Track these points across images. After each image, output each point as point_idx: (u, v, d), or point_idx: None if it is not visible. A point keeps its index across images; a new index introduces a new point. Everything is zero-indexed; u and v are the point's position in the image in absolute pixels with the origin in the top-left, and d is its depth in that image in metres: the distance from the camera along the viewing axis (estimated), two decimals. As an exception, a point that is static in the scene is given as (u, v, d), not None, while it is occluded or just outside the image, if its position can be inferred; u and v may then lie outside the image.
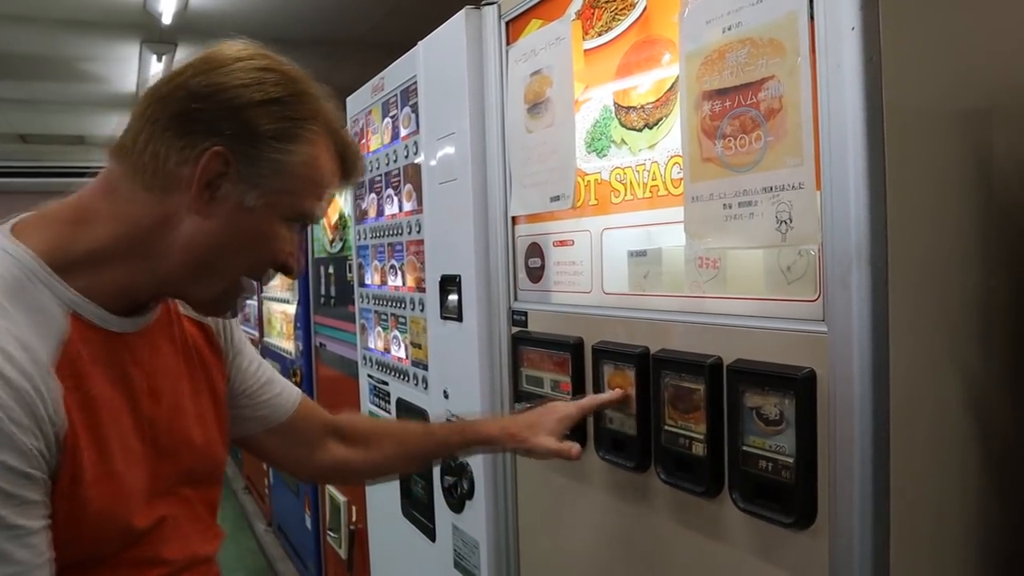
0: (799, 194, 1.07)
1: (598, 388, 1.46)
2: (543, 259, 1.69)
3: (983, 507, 1.11)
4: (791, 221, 1.09)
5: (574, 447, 1.35)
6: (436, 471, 2.13)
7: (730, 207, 1.18)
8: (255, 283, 0.99)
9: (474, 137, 1.85)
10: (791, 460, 1.08)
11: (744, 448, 1.15)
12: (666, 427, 1.30)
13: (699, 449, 1.24)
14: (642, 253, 1.42)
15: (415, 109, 2.16)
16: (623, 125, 1.42)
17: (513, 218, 1.79)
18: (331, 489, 3.37)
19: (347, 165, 0.99)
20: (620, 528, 1.46)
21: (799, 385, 1.06)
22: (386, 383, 2.49)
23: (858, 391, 0.99)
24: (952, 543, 1.10)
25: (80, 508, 0.86)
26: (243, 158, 0.87)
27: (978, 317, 1.10)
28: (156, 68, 6.86)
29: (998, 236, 1.11)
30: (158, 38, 6.32)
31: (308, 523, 3.82)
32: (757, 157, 1.13)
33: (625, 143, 1.42)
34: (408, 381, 2.31)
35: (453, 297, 1.98)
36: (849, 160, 0.99)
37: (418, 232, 2.18)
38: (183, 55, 6.97)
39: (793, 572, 1.10)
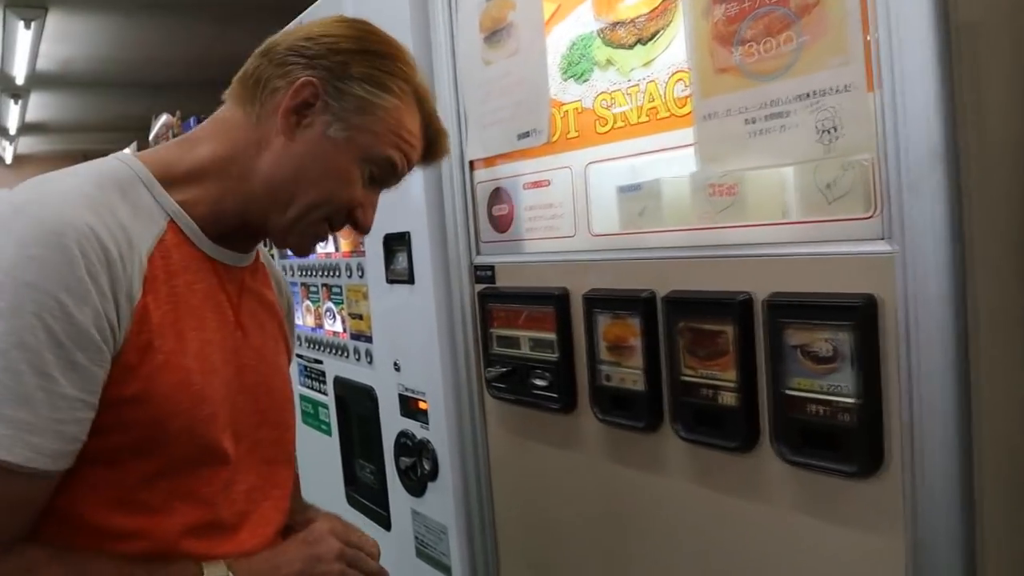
0: (846, 97, 0.94)
1: (592, 342, 1.31)
2: (511, 205, 1.52)
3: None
4: (837, 130, 0.95)
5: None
6: (388, 452, 1.93)
7: (754, 121, 1.04)
8: (327, 227, 1.03)
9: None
10: (852, 401, 0.95)
11: (788, 392, 1.02)
12: (683, 377, 1.16)
13: (728, 399, 1.10)
14: (635, 187, 1.26)
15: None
16: (609, 43, 1.26)
17: (470, 163, 1.60)
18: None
19: (431, 137, 1.06)
20: (626, 498, 1.32)
21: (859, 315, 0.94)
22: (320, 362, 2.26)
23: (938, 315, 0.86)
24: None
25: (151, 388, 0.86)
26: (332, 90, 0.95)
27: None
28: (24, 36, 6.20)
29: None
30: (24, 2, 5.69)
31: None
32: (789, 61, 0.99)
33: (612, 64, 1.26)
34: (347, 357, 2.09)
35: (402, 257, 1.77)
36: (916, 48, 0.85)
37: (352, 190, 1.96)
38: (56, 21, 6.32)
39: (858, 525, 0.98)
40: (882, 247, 0.92)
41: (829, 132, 0.96)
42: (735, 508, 1.13)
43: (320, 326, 2.22)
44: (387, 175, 1.03)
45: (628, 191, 1.28)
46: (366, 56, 0.97)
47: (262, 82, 0.97)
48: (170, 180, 0.95)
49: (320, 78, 0.95)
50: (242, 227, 1.01)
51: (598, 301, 1.29)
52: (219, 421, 0.94)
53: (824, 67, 0.96)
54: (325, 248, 2.14)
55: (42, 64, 7.66)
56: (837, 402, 0.97)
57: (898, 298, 0.90)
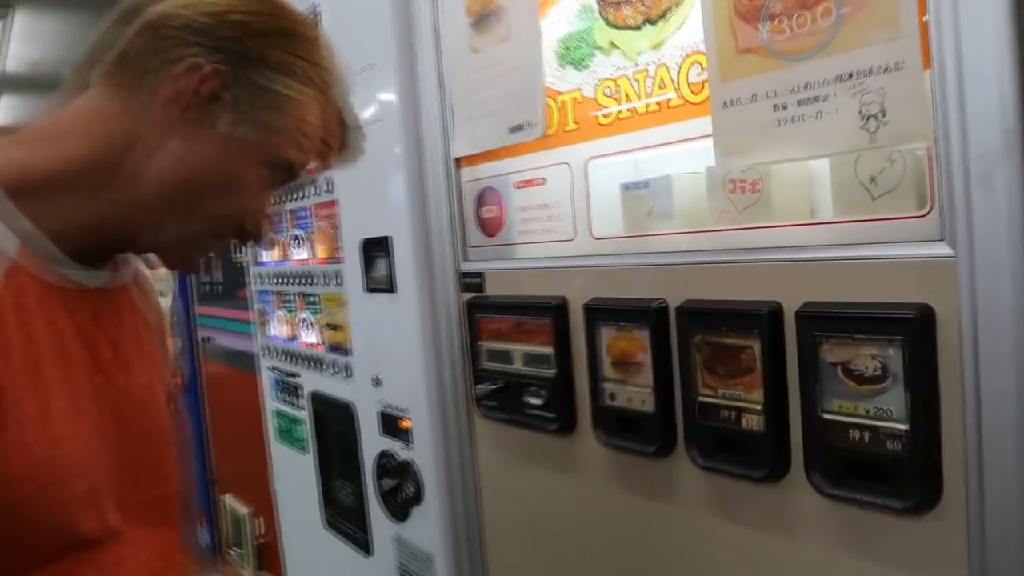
0: (897, 77, 0.81)
1: (594, 358, 1.17)
2: (501, 206, 1.38)
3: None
4: (884, 115, 0.83)
5: None
6: (368, 472, 1.79)
7: (784, 108, 0.91)
8: (216, 240, 0.87)
9: (401, 67, 1.51)
10: (903, 427, 0.83)
11: (825, 415, 0.89)
12: (701, 397, 1.03)
13: (753, 422, 0.97)
14: (642, 184, 1.14)
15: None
16: (612, 24, 1.13)
17: (456, 161, 1.47)
18: (230, 499, 2.95)
19: (346, 134, 0.91)
20: (632, 528, 1.18)
21: (912, 328, 0.81)
22: (295, 375, 2.11)
23: (1009, 329, 0.74)
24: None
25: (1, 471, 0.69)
26: (242, 81, 0.79)
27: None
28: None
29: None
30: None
31: (206, 539, 3.37)
32: (826, 37, 0.87)
33: (616, 47, 1.13)
34: (324, 370, 1.94)
35: (382, 264, 1.63)
36: (985, 18, 0.73)
37: (328, 192, 1.81)
38: (24, 21, 6.11)
39: (910, 568, 0.86)
40: (940, 250, 0.80)
41: (875, 118, 0.83)
42: (759, 543, 1.00)
43: (295, 337, 2.07)
44: (287, 178, 0.87)
45: (634, 189, 1.15)
46: (280, 39, 0.81)
47: (148, 66, 0.78)
48: (25, 191, 0.76)
49: (227, 65, 0.78)
50: (106, 241, 0.83)
51: (601, 312, 1.16)
52: (100, 493, 0.78)
53: (869, 43, 0.83)
54: (300, 254, 1.99)
55: (11, 66, 7.44)
56: (885, 428, 0.84)
57: (961, 309, 0.77)
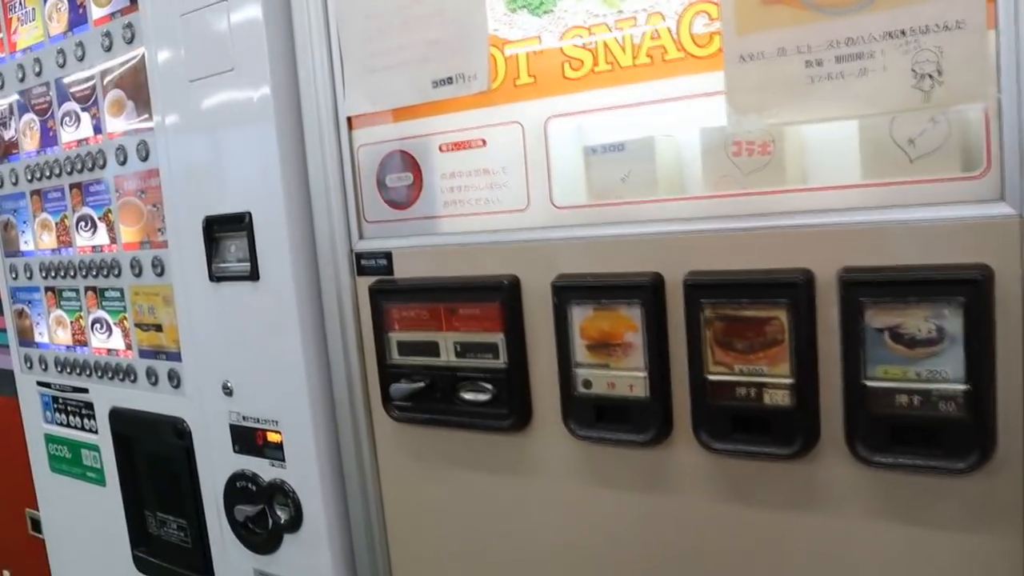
0: (956, 36, 0.80)
1: (564, 342, 1.05)
2: (417, 173, 1.19)
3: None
4: (941, 74, 0.81)
5: None
6: (211, 500, 1.48)
7: (819, 64, 0.86)
8: None
9: (267, 4, 1.23)
10: (959, 387, 0.82)
11: (869, 383, 0.87)
12: (712, 376, 0.96)
13: (779, 397, 0.92)
14: (615, 147, 1.03)
15: (121, -30, 1.42)
16: (586, -35, 1.00)
17: (348, 120, 1.24)
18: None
19: None
20: (619, 527, 1.08)
21: (972, 289, 0.80)
22: (83, 390, 1.69)
23: (1085, 284, 0.76)
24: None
25: None
26: None
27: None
28: None
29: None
30: None
31: None
32: (872, -10, 0.83)
33: (592, -9, 1.00)
34: (135, 381, 1.57)
35: (236, 247, 1.34)
36: (1068, -23, 0.73)
37: (144, 159, 1.45)
38: None
39: (964, 528, 0.86)
40: (1000, 210, 0.80)
41: (930, 77, 0.81)
42: (787, 522, 0.95)
43: (82, 343, 1.65)
44: None
45: (606, 152, 1.04)
46: None
47: None
48: None
49: None
50: None
51: (577, 290, 1.04)
52: None
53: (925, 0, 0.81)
54: (91, 239, 1.58)
55: None
56: (939, 390, 0.83)
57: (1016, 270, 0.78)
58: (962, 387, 0.82)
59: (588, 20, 1.01)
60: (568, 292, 1.04)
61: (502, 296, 1.10)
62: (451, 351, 1.16)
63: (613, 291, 1.01)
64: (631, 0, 0.97)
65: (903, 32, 0.82)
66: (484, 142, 1.12)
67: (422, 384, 1.18)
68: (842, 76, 0.85)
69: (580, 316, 1.04)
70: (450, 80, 1.11)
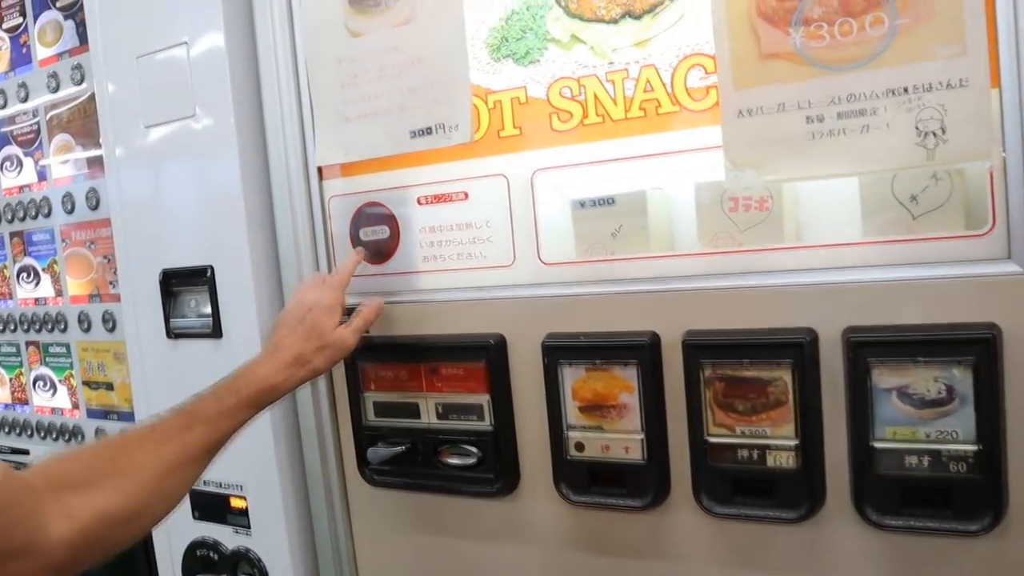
0: (960, 94, 0.79)
1: (555, 404, 1.01)
2: (394, 226, 1.14)
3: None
4: (944, 132, 0.80)
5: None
6: (168, 571, 1.38)
7: (820, 120, 0.85)
8: None
9: (232, 46, 1.17)
10: (971, 448, 0.80)
11: (877, 444, 0.84)
12: (712, 439, 0.92)
13: (783, 460, 0.89)
14: (607, 201, 1.00)
15: (72, 12, 1.33)
16: (575, 15, 0.97)
17: (319, 169, 1.18)
18: None
19: None
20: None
21: (983, 348, 0.79)
22: (22, 451, 1.57)
23: (1097, 345, 0.75)
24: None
25: None
26: None
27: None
28: None
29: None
30: None
31: None
32: (876, 48, 0.82)
33: (580, 41, 0.97)
34: (81, 442, 1.47)
35: (196, 301, 1.26)
36: (1072, 39, 0.73)
37: (94, 208, 1.36)
38: None
39: (983, 597, 0.84)
40: (1007, 268, 0.79)
41: (934, 135, 0.80)
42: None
43: (22, 401, 1.54)
44: None
45: (596, 206, 1.00)
46: None
47: None
48: None
49: None
50: None
51: (568, 349, 0.99)
52: None
53: (929, 57, 0.79)
54: (33, 291, 1.48)
55: None
56: (949, 451, 0.81)
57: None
58: (973, 447, 0.81)
59: (577, 71, 0.98)
60: (559, 352, 1.00)
61: (488, 355, 1.05)
62: (432, 412, 1.11)
63: (607, 351, 0.97)
64: (622, 51, 0.95)
65: (906, 89, 0.81)
66: (466, 195, 1.08)
67: (402, 448, 1.12)
68: (844, 133, 0.84)
69: (572, 377, 1.00)
70: (429, 130, 1.07)
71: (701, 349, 0.92)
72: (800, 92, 0.85)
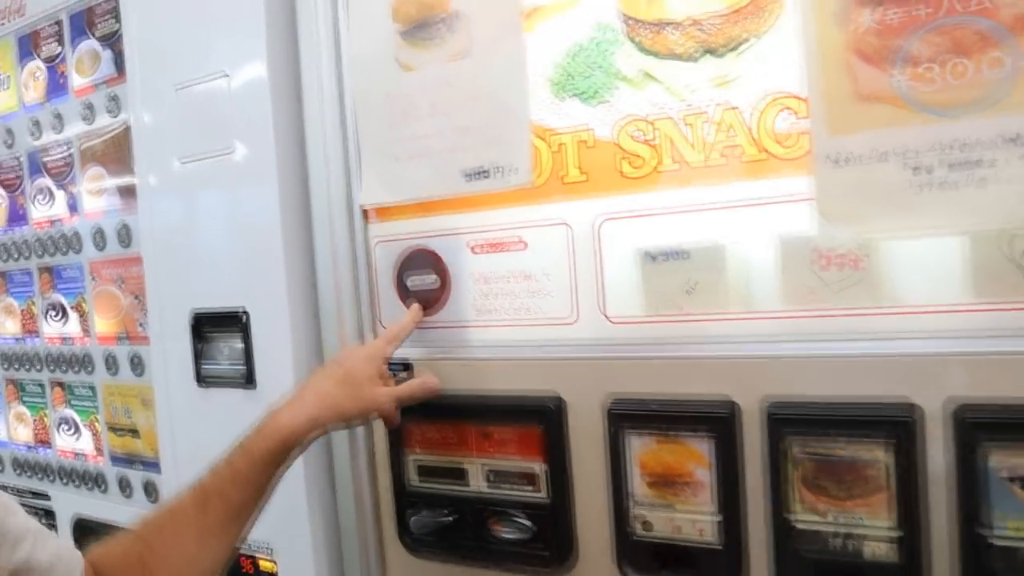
0: (1096, 145, 0.70)
1: (619, 476, 0.92)
2: (444, 274, 1.06)
3: None
4: (1077, 187, 0.71)
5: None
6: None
7: (928, 170, 0.76)
8: None
9: (275, 78, 1.11)
10: (1109, 553, 0.70)
11: (993, 539, 0.74)
12: (799, 524, 0.82)
13: (881, 552, 0.79)
14: (682, 254, 0.91)
15: (110, 41, 1.28)
16: (648, 51, 0.89)
17: (364, 211, 1.11)
18: None
19: None
20: None
21: None
22: (45, 496, 1.50)
23: None
24: None
25: None
26: None
27: None
28: None
29: None
30: None
31: None
32: (993, 92, 0.73)
33: (654, 79, 0.89)
34: (105, 491, 1.40)
35: (228, 348, 1.19)
36: None
37: (125, 245, 1.30)
38: None
39: None
40: None
41: (1064, 191, 0.71)
42: None
43: (45, 443, 1.48)
44: None
45: (668, 259, 0.92)
46: None
47: None
48: None
49: None
50: None
51: (636, 417, 0.90)
52: None
53: (1058, 103, 0.71)
54: (60, 328, 1.42)
55: None
56: (1084, 555, 0.71)
57: None
58: (1114, 551, 0.70)
59: (649, 112, 0.90)
60: (625, 419, 0.91)
61: (545, 419, 0.96)
62: (482, 478, 1.02)
63: (679, 420, 0.88)
64: (701, 91, 0.87)
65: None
66: (524, 243, 1.00)
67: (448, 518, 1.03)
68: (956, 186, 0.75)
69: (639, 447, 0.91)
70: (485, 173, 0.99)
71: (787, 423, 0.82)
72: (902, 138, 0.76)
